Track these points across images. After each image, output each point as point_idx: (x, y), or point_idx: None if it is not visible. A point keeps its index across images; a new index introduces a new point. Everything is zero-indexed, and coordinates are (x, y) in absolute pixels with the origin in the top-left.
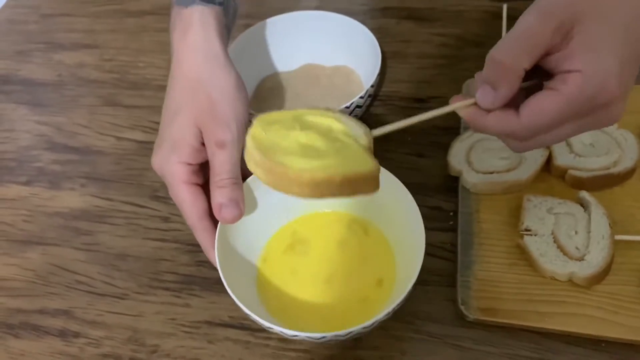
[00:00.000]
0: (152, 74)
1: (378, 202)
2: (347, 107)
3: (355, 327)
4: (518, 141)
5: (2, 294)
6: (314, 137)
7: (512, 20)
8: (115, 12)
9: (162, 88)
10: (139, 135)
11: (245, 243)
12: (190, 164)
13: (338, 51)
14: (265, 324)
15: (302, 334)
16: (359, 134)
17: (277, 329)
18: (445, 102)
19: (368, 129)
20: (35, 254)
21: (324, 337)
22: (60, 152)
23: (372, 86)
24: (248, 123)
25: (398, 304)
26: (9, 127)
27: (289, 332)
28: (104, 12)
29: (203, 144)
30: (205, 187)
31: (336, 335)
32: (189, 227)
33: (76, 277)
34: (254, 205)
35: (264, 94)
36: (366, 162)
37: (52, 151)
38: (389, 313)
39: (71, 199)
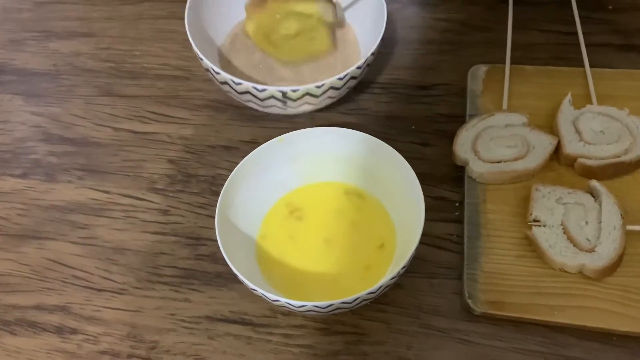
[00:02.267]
0: (149, 62)
1: (373, 171)
2: (340, 79)
3: (361, 292)
4: None
5: None
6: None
7: (518, 4)
8: None
9: (160, 77)
10: (136, 126)
11: (244, 221)
12: None
13: None
14: (272, 297)
15: (308, 304)
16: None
17: (283, 300)
18: (450, 89)
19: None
20: (31, 248)
21: (331, 305)
22: (56, 144)
23: (372, 54)
24: None
25: (403, 267)
26: (4, 118)
27: (295, 303)
28: None
29: None
30: None
31: (343, 302)
32: None
33: (73, 272)
34: (250, 185)
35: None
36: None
37: (48, 143)
38: (394, 277)
39: (67, 191)
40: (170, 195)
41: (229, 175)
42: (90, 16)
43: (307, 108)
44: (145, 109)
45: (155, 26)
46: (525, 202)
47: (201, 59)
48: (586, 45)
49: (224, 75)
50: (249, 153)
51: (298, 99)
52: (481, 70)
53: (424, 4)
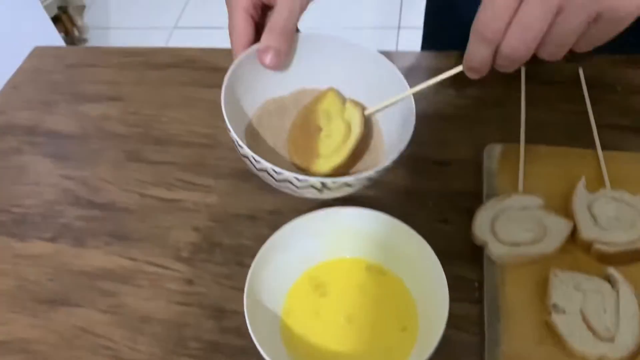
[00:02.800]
0: (175, 129)
1: (393, 248)
2: (377, 171)
3: None
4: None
5: (27, 357)
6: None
7: (530, 81)
8: (139, 64)
9: (186, 144)
10: (163, 193)
11: (269, 296)
12: None
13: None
14: None
15: None
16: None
17: None
18: (466, 165)
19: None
20: (60, 315)
21: None
22: (85, 208)
23: (405, 148)
24: None
25: (429, 357)
26: (35, 180)
27: None
28: (127, 63)
29: None
30: (258, 30)
31: None
32: (232, 55)
33: (100, 340)
34: (276, 261)
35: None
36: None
37: (77, 206)
38: None
39: (96, 257)
40: (195, 264)
41: (252, 246)
42: (118, 80)
43: (340, 194)
44: (172, 175)
45: (181, 92)
46: (543, 285)
47: (240, 147)
48: (597, 126)
49: (264, 164)
50: (272, 224)
51: (336, 188)
52: (496, 149)
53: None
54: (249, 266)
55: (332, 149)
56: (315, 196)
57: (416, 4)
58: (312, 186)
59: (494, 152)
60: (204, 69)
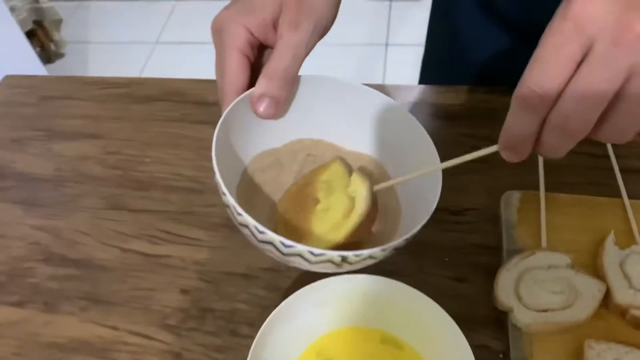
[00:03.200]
0: (160, 171)
1: (411, 319)
2: (406, 240)
3: None
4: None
5: None
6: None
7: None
8: (120, 96)
9: (172, 189)
10: (145, 247)
11: None
12: (252, 35)
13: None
14: None
15: None
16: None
17: None
18: (482, 215)
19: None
20: None
21: None
22: (58, 266)
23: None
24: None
25: None
26: (1, 231)
27: None
28: (108, 95)
29: (274, 27)
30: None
31: None
32: (219, 99)
33: None
34: (279, 335)
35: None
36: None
37: (49, 264)
38: None
39: (69, 326)
40: (183, 334)
41: (247, 311)
42: (98, 114)
43: (358, 267)
44: (156, 226)
45: (167, 129)
46: (576, 356)
47: (239, 215)
48: (621, 171)
49: (271, 235)
50: (269, 283)
51: (357, 262)
52: (514, 197)
53: (447, 118)
54: (243, 336)
55: (330, 225)
56: (331, 271)
57: (404, 20)
58: (330, 261)
59: (511, 201)
60: (192, 103)
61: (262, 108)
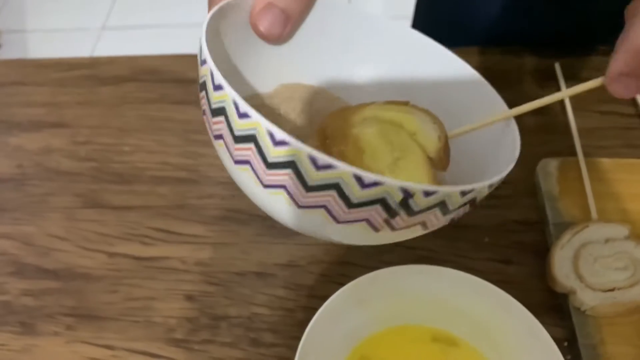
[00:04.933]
0: (143, 160)
1: (466, 311)
2: (491, 185)
3: None
4: None
5: None
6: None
7: (568, 79)
8: (84, 78)
9: (159, 180)
10: (137, 249)
11: None
12: None
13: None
14: None
15: None
16: (431, 138)
17: None
18: (518, 187)
19: (443, 131)
20: None
21: None
22: (33, 278)
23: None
24: None
25: None
26: None
27: None
28: (69, 79)
29: None
30: None
31: None
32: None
33: None
34: (320, 343)
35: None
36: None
37: (21, 277)
38: None
39: (54, 349)
40: (195, 348)
41: (268, 315)
42: (59, 100)
43: (409, 234)
44: (146, 224)
45: (145, 112)
46: None
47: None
48: None
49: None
50: (289, 281)
51: (422, 210)
52: (551, 166)
53: None
54: (267, 345)
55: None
56: (362, 238)
57: None
58: (384, 199)
59: (549, 170)
60: (170, 82)
61: (266, 23)
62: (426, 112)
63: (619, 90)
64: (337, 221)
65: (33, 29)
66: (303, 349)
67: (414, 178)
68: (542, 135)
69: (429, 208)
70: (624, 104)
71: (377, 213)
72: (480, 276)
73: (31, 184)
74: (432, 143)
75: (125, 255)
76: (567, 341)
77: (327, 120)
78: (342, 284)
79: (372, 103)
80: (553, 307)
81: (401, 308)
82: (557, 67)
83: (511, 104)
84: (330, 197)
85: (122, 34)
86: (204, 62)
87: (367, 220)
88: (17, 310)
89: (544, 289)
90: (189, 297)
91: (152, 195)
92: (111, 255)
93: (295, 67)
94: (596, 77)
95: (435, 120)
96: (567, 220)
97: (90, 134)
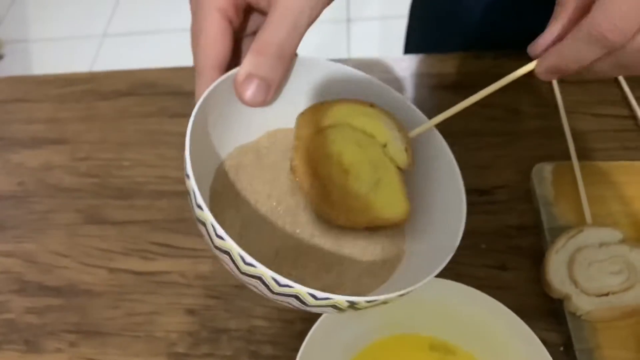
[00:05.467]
0: (143, 175)
1: (462, 319)
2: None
3: None
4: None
5: None
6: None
7: (561, 84)
8: (83, 94)
9: (158, 194)
10: (137, 264)
11: None
12: None
13: None
14: None
15: None
16: (400, 149)
17: None
18: (514, 192)
19: (407, 138)
20: None
21: None
22: (36, 296)
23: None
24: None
25: None
26: None
27: None
28: (68, 94)
29: None
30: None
31: None
32: (195, 69)
33: None
34: (320, 346)
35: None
36: (398, 205)
37: (25, 295)
38: None
39: None
40: None
41: (267, 327)
42: (59, 117)
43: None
44: (146, 239)
45: (144, 126)
46: None
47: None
48: None
49: (264, 270)
50: None
51: (364, 308)
52: (546, 170)
53: (456, 88)
54: (266, 357)
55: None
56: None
57: None
58: (334, 306)
59: (544, 174)
60: (168, 94)
61: (249, 92)
62: (391, 117)
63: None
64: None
65: (35, 38)
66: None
67: (393, 198)
68: (537, 138)
69: (372, 306)
70: (618, 106)
71: (332, 309)
72: (478, 282)
73: (33, 201)
74: (400, 155)
75: (126, 271)
76: (564, 346)
77: (302, 131)
78: None
79: (339, 101)
80: (549, 312)
81: (398, 317)
82: None
83: (509, 109)
84: (293, 300)
85: (124, 40)
86: (199, 207)
87: (326, 310)
88: (21, 328)
89: (540, 293)
90: (190, 311)
91: (152, 210)
92: (112, 270)
93: (279, 116)
94: (590, 80)
95: (400, 127)
96: (562, 224)
97: (90, 150)
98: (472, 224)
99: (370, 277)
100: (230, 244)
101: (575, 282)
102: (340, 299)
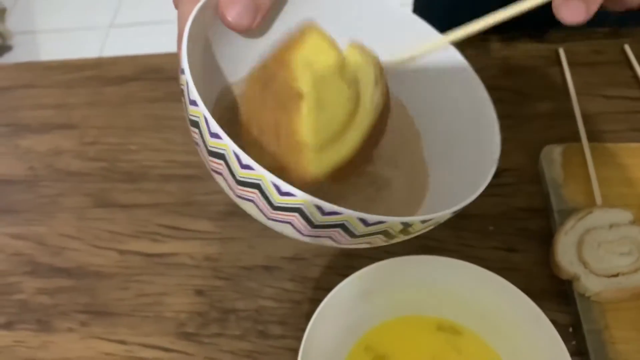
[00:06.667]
0: (150, 159)
1: (469, 300)
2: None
3: None
4: None
5: None
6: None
7: (570, 66)
8: (90, 79)
9: (166, 178)
10: (146, 246)
11: None
12: None
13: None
14: None
15: None
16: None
17: None
18: (522, 174)
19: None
20: None
21: None
22: (47, 277)
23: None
24: None
25: None
26: None
27: None
28: (76, 80)
29: None
30: None
31: None
32: (177, 36)
33: None
34: (324, 334)
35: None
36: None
37: (36, 276)
38: None
39: (70, 344)
40: (205, 341)
41: (275, 308)
42: (66, 102)
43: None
44: (155, 221)
45: (150, 111)
46: None
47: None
48: None
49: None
50: (295, 274)
51: (415, 233)
52: (556, 152)
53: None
54: (275, 337)
55: (329, 133)
56: (373, 245)
57: None
58: (385, 231)
59: (553, 156)
60: (174, 79)
61: (233, 13)
62: (358, 47)
63: (566, 15)
64: (339, 244)
65: (43, 29)
66: (308, 340)
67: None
68: (546, 121)
69: (424, 228)
70: (629, 87)
71: (382, 236)
72: (486, 264)
73: (43, 185)
74: (377, 91)
75: (135, 253)
76: (572, 327)
77: (251, 105)
78: (348, 276)
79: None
80: (558, 293)
81: (405, 298)
82: (561, 52)
83: (517, 91)
84: (335, 230)
85: (130, 31)
86: (193, 102)
87: (376, 238)
88: (33, 308)
89: (549, 275)
90: (199, 292)
91: (160, 193)
92: (122, 252)
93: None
94: (600, 61)
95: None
96: (572, 206)
97: (98, 134)
98: (479, 206)
99: (404, 206)
100: (227, 141)
101: (584, 263)
102: (395, 221)
